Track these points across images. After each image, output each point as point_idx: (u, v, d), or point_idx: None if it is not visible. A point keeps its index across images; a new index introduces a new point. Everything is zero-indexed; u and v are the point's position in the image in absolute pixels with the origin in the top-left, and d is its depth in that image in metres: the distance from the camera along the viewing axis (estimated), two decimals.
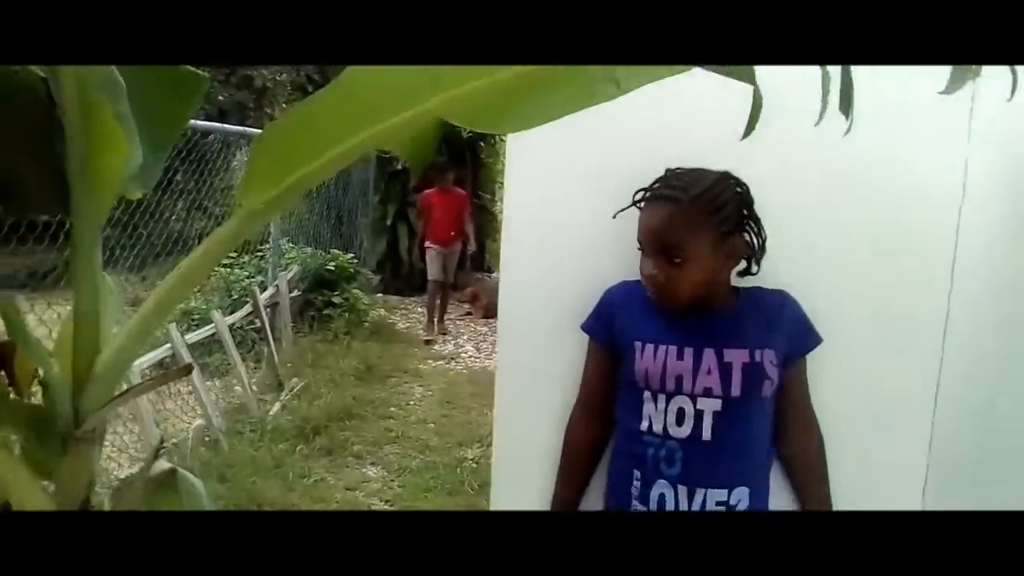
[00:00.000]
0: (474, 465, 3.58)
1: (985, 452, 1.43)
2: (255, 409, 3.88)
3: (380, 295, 7.18)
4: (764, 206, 1.24)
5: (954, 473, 1.41)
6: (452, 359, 5.61)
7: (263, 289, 4.83)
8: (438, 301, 6.44)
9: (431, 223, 6.25)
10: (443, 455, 3.72)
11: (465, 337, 6.27)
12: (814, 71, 0.62)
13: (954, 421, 1.41)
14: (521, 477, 1.47)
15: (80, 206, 0.70)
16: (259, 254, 5.42)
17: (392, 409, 4.32)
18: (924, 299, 1.37)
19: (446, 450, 3.77)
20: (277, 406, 4.02)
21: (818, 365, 1.32)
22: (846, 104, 0.65)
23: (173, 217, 5.08)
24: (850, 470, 1.36)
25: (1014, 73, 0.67)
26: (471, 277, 7.55)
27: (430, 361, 5.50)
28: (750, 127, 0.61)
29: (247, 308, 4.44)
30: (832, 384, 1.36)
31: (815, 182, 1.35)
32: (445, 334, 6.36)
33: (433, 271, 6.27)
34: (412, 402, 4.50)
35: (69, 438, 0.69)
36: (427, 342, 6.06)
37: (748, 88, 0.59)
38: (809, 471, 1.36)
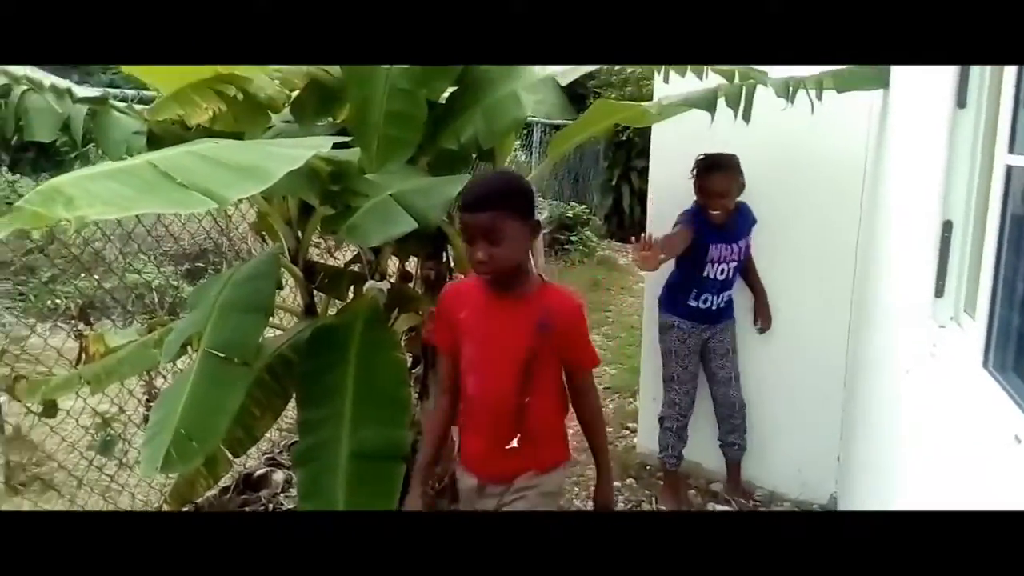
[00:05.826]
0: None
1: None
2: None
3: (607, 240, 9.12)
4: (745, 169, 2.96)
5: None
6: None
7: None
8: None
9: (463, 408, 1.89)
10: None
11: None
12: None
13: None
14: None
15: (498, 159, 2.67)
16: None
17: (611, 306, 6.33)
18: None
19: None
20: None
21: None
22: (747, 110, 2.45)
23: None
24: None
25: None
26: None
27: (641, 284, 7.35)
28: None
29: None
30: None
31: (771, 157, 3.00)
32: None
33: None
34: (624, 304, 6.45)
35: None
36: None
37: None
38: (753, 277, 3.09)
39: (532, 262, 1.70)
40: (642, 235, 2.55)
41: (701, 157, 2.89)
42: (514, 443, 1.75)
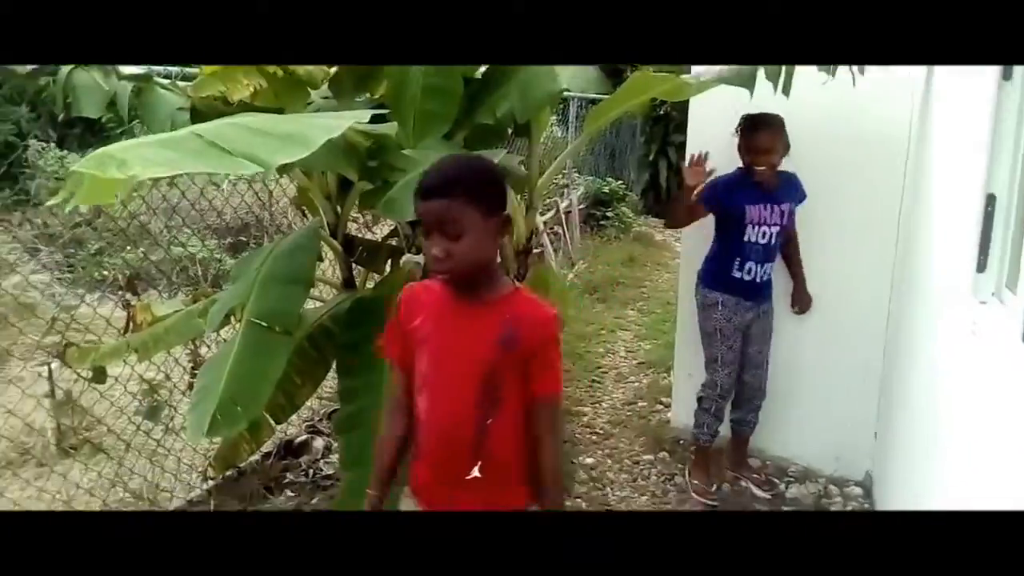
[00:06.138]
0: None
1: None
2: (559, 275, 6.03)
3: (644, 216, 9.06)
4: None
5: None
6: None
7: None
8: None
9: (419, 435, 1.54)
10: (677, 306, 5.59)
11: None
12: None
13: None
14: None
15: (534, 134, 2.69)
16: (554, 181, 7.60)
17: (646, 282, 6.30)
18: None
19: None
20: (571, 275, 6.15)
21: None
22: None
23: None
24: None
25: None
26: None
27: (677, 260, 7.32)
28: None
29: (551, 213, 6.60)
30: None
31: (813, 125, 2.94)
32: None
33: None
34: (660, 280, 6.42)
35: (530, 207, 2.71)
36: None
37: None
38: (794, 257, 3.07)
39: (500, 263, 1.49)
40: (697, 153, 2.84)
41: (746, 116, 2.85)
42: (476, 472, 1.44)
